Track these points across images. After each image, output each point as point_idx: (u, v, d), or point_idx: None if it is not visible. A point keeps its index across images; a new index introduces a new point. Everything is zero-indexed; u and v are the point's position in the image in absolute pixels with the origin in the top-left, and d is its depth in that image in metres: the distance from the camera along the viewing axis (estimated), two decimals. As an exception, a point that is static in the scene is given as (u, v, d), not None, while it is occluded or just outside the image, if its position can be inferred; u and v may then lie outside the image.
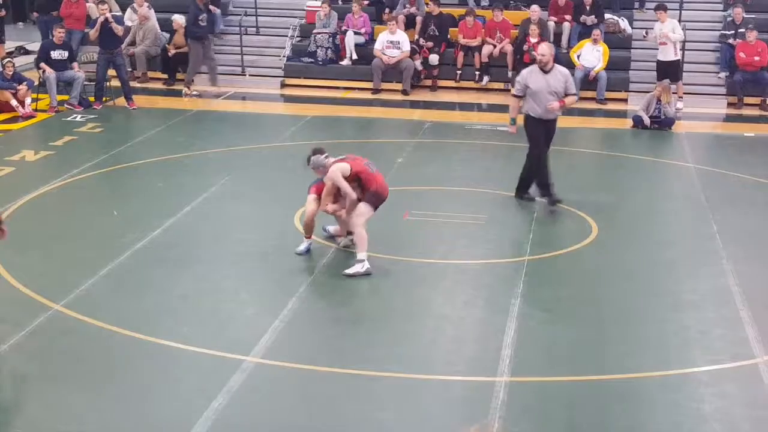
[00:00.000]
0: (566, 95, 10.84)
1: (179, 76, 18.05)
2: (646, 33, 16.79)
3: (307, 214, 9.26)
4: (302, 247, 9.35)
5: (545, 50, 10.86)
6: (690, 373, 7.27)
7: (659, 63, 16.27)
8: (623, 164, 13.48)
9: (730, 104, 16.83)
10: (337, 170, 8.94)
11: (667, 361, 7.43)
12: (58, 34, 15.89)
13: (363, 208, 8.97)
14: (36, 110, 15.44)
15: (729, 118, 16.35)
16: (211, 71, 17.59)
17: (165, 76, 18.04)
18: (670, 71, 16.20)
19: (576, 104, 16.71)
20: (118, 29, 15.90)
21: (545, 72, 10.78)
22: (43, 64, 15.67)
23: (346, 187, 8.95)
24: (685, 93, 16.74)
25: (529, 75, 10.86)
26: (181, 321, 7.95)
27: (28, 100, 15.36)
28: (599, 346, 7.69)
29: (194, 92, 17.12)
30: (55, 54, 15.79)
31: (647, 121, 15.10)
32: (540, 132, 10.98)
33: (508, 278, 8.95)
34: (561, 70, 10.96)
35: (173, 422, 6.39)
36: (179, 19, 17.92)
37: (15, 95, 15.28)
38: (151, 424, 6.37)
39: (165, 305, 8.26)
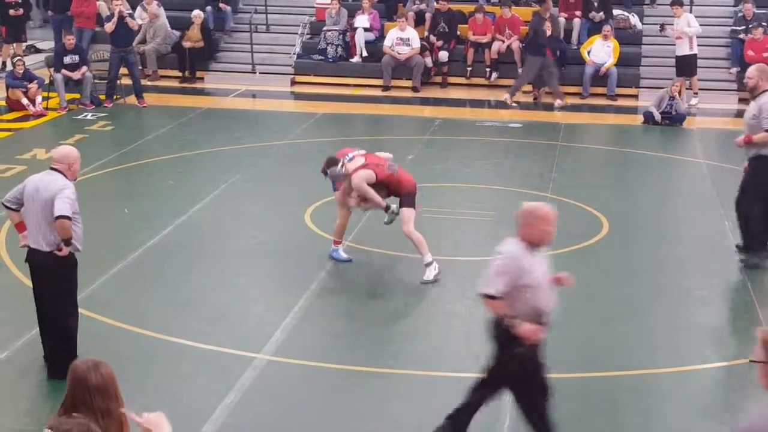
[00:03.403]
0: (765, 130, 8.75)
1: (199, 74, 17.96)
2: (662, 27, 16.71)
3: (341, 221, 9.13)
4: (342, 255, 9.18)
5: (752, 72, 8.94)
6: (702, 369, 7.25)
7: (676, 58, 16.29)
8: (634, 160, 13.45)
9: (741, 100, 16.74)
10: (362, 180, 8.71)
11: (679, 357, 7.41)
12: (69, 41, 15.92)
13: (407, 213, 8.79)
14: (47, 108, 15.48)
15: (740, 114, 16.19)
16: (552, 85, 16.52)
17: (176, 73, 18.01)
18: (684, 65, 16.20)
19: (586, 100, 16.83)
20: (134, 24, 16.10)
21: (753, 99, 9.00)
22: (64, 71, 15.61)
23: (373, 196, 8.74)
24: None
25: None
26: (192, 318, 7.97)
27: (38, 99, 15.40)
28: (611, 343, 7.67)
29: (513, 103, 16.30)
30: (67, 59, 15.81)
31: (658, 117, 15.05)
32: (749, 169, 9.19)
33: (519, 275, 8.91)
34: (764, 98, 8.83)
35: (185, 419, 6.39)
36: (199, 13, 17.89)
37: (26, 94, 15.32)
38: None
39: (176, 303, 8.28)
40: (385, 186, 8.84)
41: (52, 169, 6.82)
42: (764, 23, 16.86)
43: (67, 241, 6.66)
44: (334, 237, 9.20)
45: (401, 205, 8.87)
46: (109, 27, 15.91)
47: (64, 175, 6.76)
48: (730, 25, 17.78)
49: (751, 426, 3.84)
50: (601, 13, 17.52)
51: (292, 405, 6.68)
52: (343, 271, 9.06)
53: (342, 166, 8.88)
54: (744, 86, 16.39)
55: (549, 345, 7.65)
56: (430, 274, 8.72)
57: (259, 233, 10.00)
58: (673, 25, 16.48)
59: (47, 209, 6.64)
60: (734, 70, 17.10)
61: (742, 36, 17.04)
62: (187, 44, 17.81)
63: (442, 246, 9.53)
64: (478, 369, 7.21)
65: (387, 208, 8.90)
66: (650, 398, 6.75)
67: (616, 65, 16.86)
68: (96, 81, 16.06)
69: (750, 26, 16.86)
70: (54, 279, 6.78)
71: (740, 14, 17.50)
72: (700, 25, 16.57)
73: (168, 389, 6.81)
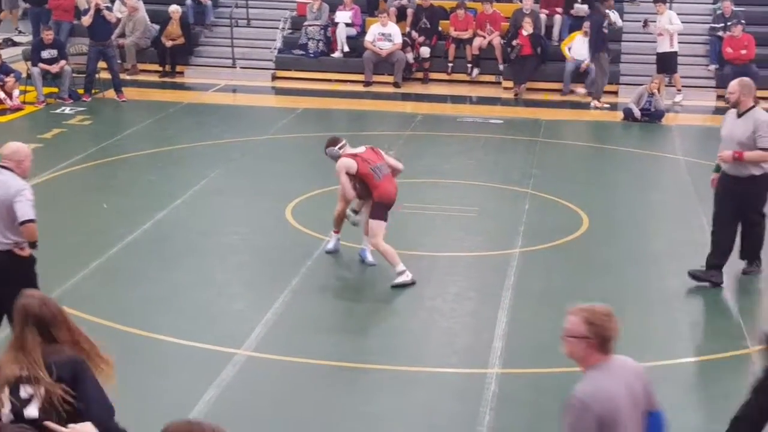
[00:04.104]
0: (759, 148, 8.15)
1: (179, 68, 17.84)
2: (645, 23, 16.76)
3: (337, 210, 9.06)
4: (330, 245, 9.18)
5: (733, 87, 8.30)
6: (679, 364, 7.29)
7: (657, 55, 16.39)
8: (614, 157, 13.51)
9: (719, 97, 16.84)
10: (342, 166, 8.67)
11: (656, 352, 7.44)
12: (47, 36, 15.80)
13: (374, 226, 8.64)
14: (24, 102, 15.36)
15: (719, 111, 16.34)
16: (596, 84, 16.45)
17: (155, 68, 17.89)
18: (664, 63, 16.29)
19: (566, 97, 16.88)
20: (111, 16, 16.01)
21: (739, 115, 8.33)
22: (41, 65, 15.50)
23: (344, 184, 8.68)
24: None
25: (725, 117, 8.64)
26: (172, 314, 7.94)
27: (15, 92, 15.26)
28: (590, 338, 7.70)
29: (605, 105, 16.10)
30: (45, 54, 15.69)
31: (638, 113, 15.13)
32: (722, 191, 8.58)
33: (500, 270, 8.96)
34: (757, 115, 8.22)
35: (164, 415, 6.32)
36: (177, 8, 17.76)
37: (2, 87, 15.18)
38: (141, 417, 6.35)
39: (156, 299, 8.24)
40: (362, 183, 8.76)
41: (1, 167, 6.44)
42: (743, 21, 16.98)
43: (33, 244, 6.48)
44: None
45: (370, 216, 8.71)
46: (86, 20, 15.79)
47: (14, 173, 6.41)
48: (709, 23, 17.88)
49: (593, 391, 4.04)
50: (585, 6, 17.43)
51: (272, 400, 6.67)
52: (325, 266, 9.04)
53: (340, 148, 8.88)
54: (722, 83, 16.71)
55: (528, 341, 7.70)
56: (401, 279, 8.53)
57: (239, 229, 9.96)
58: (655, 21, 16.56)
59: (2, 210, 6.37)
60: (713, 67, 17.21)
61: (720, 33, 17.14)
62: (168, 43, 17.69)
63: (423, 242, 9.54)
64: (460, 364, 7.24)
65: (353, 211, 8.85)
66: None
67: (596, 62, 16.91)
68: (75, 75, 15.94)
69: (728, 23, 16.96)
70: (14, 278, 6.52)
71: (719, 12, 17.60)
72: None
73: (148, 385, 6.78)
